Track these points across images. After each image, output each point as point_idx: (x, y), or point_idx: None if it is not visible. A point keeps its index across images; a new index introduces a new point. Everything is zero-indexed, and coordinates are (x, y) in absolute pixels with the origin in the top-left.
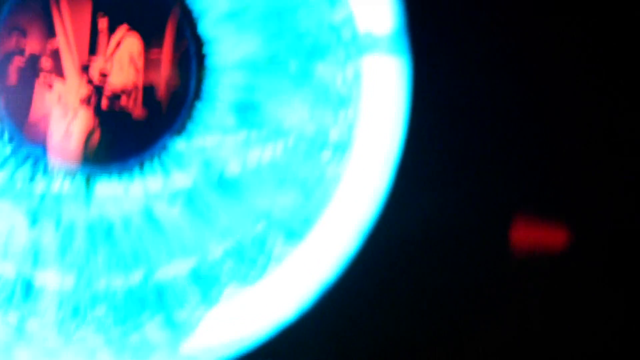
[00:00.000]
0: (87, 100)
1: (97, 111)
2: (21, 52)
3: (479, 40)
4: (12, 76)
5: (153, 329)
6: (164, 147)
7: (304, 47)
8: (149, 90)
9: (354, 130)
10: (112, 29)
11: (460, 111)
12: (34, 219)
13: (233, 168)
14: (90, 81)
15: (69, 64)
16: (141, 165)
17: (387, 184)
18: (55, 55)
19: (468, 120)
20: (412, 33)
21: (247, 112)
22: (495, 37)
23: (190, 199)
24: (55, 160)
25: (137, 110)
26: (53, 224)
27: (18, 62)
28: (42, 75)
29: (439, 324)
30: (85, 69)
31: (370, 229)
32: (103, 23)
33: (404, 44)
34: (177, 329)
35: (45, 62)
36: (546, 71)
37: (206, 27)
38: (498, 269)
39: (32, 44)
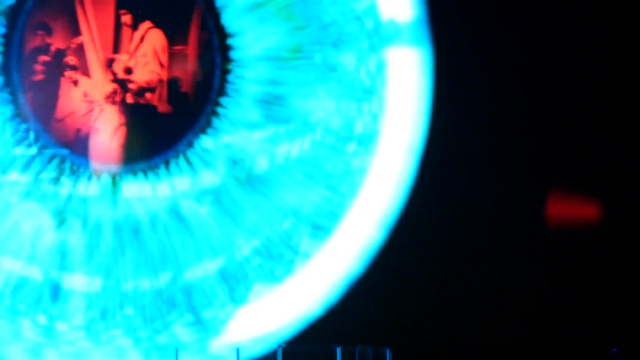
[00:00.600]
0: (112, 96)
1: (123, 107)
2: (46, 49)
3: (499, 30)
4: (38, 73)
5: (181, 329)
6: (190, 144)
7: (329, 38)
8: (174, 86)
9: (378, 121)
10: (135, 25)
11: (484, 102)
12: (60, 220)
13: (261, 164)
14: (115, 77)
15: (94, 60)
16: (167, 163)
17: (411, 174)
18: (80, 51)
19: (490, 111)
20: (433, 22)
21: (273, 106)
22: (515, 27)
23: (218, 197)
24: (81, 158)
25: (163, 106)
26: (80, 225)
27: (43, 59)
28: (67, 72)
29: (460, 311)
30: (109, 65)
31: (395, 219)
32: (126, 19)
33: (425, 33)
34: (205, 328)
35: (70, 59)
36: (562, 59)
37: (230, 19)
38: (515, 259)
39: (57, 41)
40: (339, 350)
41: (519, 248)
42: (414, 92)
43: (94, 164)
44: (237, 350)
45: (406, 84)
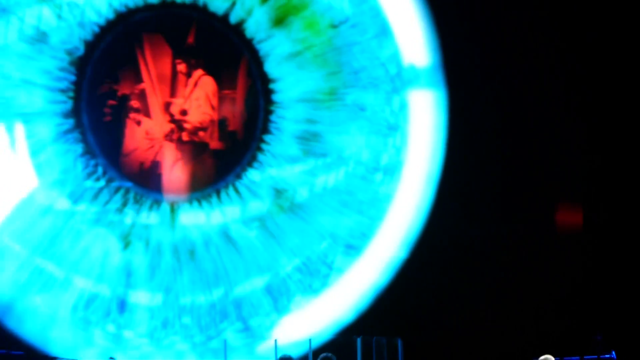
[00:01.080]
0: (170, 135)
1: (180, 144)
2: (113, 94)
3: (505, 73)
4: (106, 115)
5: (232, 335)
6: (239, 176)
7: (359, 81)
8: (223, 125)
9: (401, 154)
10: (189, 73)
11: (492, 136)
12: (126, 243)
13: (301, 193)
14: (172, 118)
15: (154, 103)
16: (218, 193)
17: (430, 199)
18: (142, 96)
19: (499, 144)
20: (447, 68)
21: (310, 142)
22: (521, 69)
23: (264, 222)
24: (144, 189)
25: (214, 143)
26: (143, 247)
27: (111, 103)
28: (131, 114)
29: (465, 314)
30: (167, 107)
31: (416, 238)
32: (182, 67)
33: (440, 77)
34: (252, 334)
35: (134, 103)
36: (562, 101)
37: (272, 67)
38: (531, 277)
39: (122, 88)
40: (359, 341)
41: (528, 260)
42: (431, 128)
43: (155, 193)
44: (310, 340)
45: (425, 122)
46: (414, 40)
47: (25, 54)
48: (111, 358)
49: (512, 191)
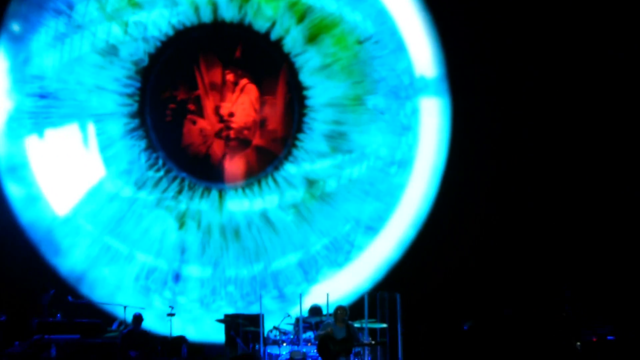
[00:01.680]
0: (219, 133)
1: (227, 141)
2: (173, 99)
3: (503, 82)
4: (167, 116)
5: (269, 301)
6: (277, 168)
7: (379, 89)
8: (264, 125)
9: (413, 150)
10: (236, 82)
11: (491, 139)
12: (180, 224)
13: (330, 184)
14: (221, 119)
15: (207, 107)
16: (259, 182)
17: (436, 188)
18: (197, 101)
19: (497, 146)
20: (451, 78)
21: (337, 140)
22: (519, 80)
23: (298, 208)
24: (197, 179)
25: (256, 140)
26: (195, 227)
27: (171, 106)
28: (188, 115)
29: (458, 280)
30: (218, 110)
31: (424, 221)
32: (230, 77)
33: (446, 86)
34: (286, 300)
35: (191, 106)
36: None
37: (305, 77)
38: (513, 250)
39: (180, 94)
40: (365, 295)
41: (515, 237)
42: (438, 129)
43: (207, 182)
44: (327, 295)
45: (432, 124)
46: (424, 54)
47: (98, 64)
48: (171, 307)
49: (505, 182)
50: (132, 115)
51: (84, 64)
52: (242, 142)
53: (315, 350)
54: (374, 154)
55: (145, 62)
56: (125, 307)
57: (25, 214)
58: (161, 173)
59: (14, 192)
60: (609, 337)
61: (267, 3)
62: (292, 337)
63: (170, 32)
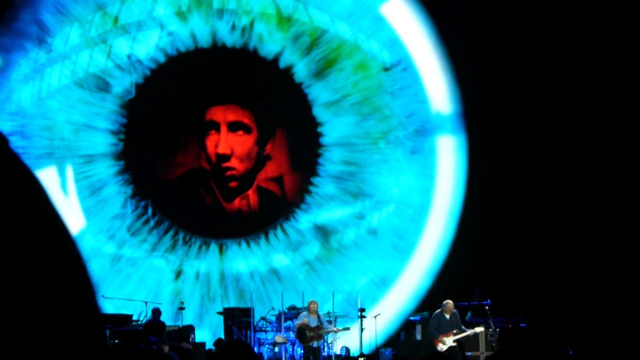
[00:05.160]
0: (217, 174)
1: (226, 182)
2: (183, 165)
3: (515, 121)
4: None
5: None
6: (287, 219)
7: (393, 126)
8: (280, 178)
9: (430, 192)
10: (237, 120)
11: (504, 176)
12: (177, 274)
13: (348, 235)
14: (222, 172)
15: (208, 145)
16: (267, 235)
17: (453, 232)
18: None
19: (510, 183)
20: (466, 116)
21: (350, 183)
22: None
23: (312, 264)
24: (192, 232)
25: (260, 182)
26: (193, 277)
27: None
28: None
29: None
30: (220, 165)
31: (441, 265)
32: (230, 115)
33: (462, 122)
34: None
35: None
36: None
37: (317, 112)
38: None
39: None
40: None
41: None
42: (455, 168)
43: (204, 234)
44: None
45: (449, 162)
46: (440, 91)
47: (79, 97)
48: (181, 302)
49: (520, 224)
50: (117, 157)
51: (63, 97)
52: (243, 189)
53: (294, 336)
54: (392, 199)
55: (132, 94)
56: (146, 303)
57: None
58: (151, 223)
59: None
60: (521, 325)
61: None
62: (275, 325)
63: (162, 59)
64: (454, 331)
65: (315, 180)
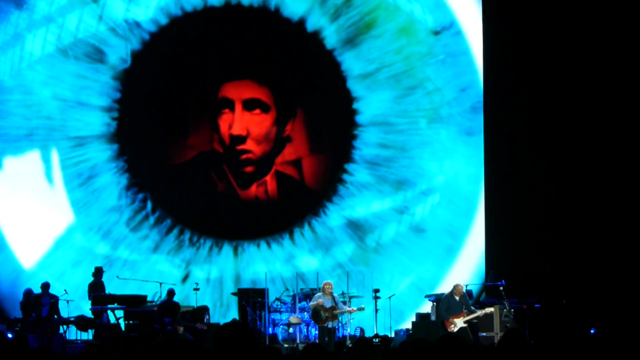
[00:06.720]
0: (231, 157)
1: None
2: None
3: (529, 122)
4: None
5: None
6: (317, 214)
7: (436, 102)
8: (298, 162)
9: (456, 178)
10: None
11: (522, 159)
12: (184, 276)
13: (387, 232)
14: (236, 156)
15: (221, 126)
16: (291, 232)
17: (472, 220)
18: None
19: (527, 182)
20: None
21: (386, 169)
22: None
23: (343, 266)
24: (200, 230)
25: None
26: (204, 279)
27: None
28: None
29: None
30: (234, 148)
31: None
32: (246, 91)
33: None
34: None
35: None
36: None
37: (352, 86)
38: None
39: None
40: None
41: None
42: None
43: (216, 234)
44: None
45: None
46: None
47: (67, 68)
48: (196, 283)
49: (537, 221)
50: (110, 139)
51: (47, 68)
52: (260, 167)
53: (308, 316)
54: (434, 188)
55: (128, 63)
56: (160, 284)
57: None
58: (151, 219)
59: None
60: (536, 305)
61: None
62: (290, 306)
63: (164, 20)
64: (465, 312)
65: (349, 167)
